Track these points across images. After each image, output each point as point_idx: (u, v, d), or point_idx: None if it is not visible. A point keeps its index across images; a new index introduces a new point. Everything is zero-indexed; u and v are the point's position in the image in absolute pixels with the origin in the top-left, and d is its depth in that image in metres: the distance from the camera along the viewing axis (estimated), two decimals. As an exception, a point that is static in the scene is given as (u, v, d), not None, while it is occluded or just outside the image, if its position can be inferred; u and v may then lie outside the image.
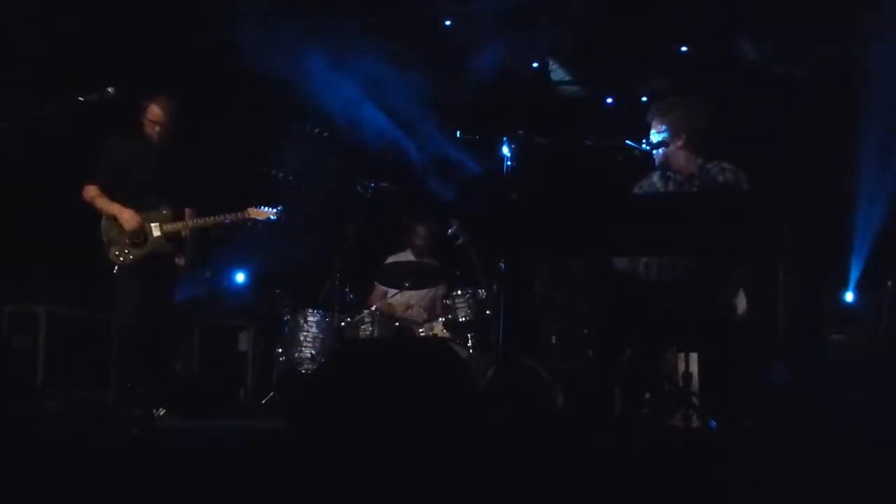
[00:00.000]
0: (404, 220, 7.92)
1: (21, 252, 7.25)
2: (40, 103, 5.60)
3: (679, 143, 5.12)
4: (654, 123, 5.20)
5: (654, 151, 5.19)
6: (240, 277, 8.70)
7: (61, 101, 5.62)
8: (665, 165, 5.18)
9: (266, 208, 6.41)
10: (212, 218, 6.30)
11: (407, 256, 7.79)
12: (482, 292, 7.00)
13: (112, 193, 6.13)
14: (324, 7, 8.00)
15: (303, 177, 7.08)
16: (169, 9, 7.62)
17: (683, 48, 8.76)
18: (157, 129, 6.20)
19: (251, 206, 6.39)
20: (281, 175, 6.98)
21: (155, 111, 6.20)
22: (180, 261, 6.31)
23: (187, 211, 6.29)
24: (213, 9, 7.60)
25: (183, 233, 6.23)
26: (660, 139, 5.14)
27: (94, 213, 6.17)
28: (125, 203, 6.10)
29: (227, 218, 6.33)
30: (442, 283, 7.59)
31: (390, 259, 7.73)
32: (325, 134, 8.23)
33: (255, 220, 6.42)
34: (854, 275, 8.06)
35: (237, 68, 7.79)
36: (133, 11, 7.52)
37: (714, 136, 5.21)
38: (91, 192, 6.14)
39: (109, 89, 5.75)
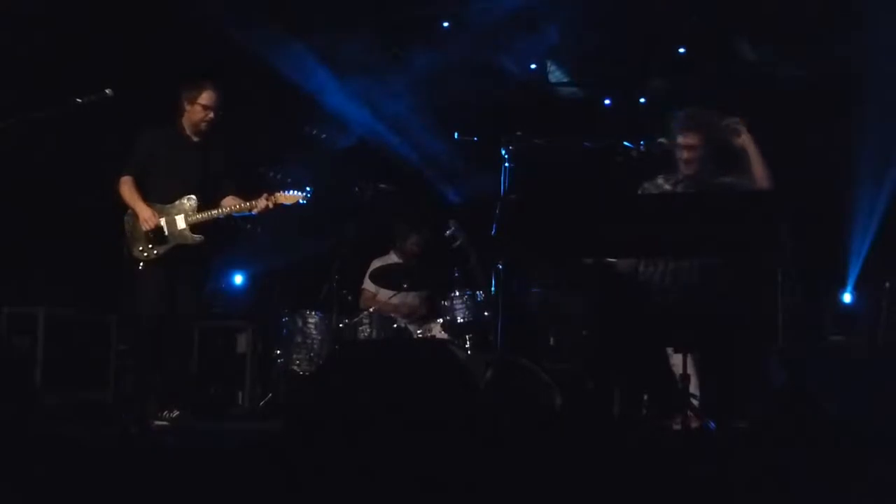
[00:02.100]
0: (399, 225, 7.91)
1: (21, 252, 7.24)
2: (40, 104, 5.59)
3: (709, 154, 5.16)
4: (683, 134, 5.20)
5: (684, 162, 5.20)
6: (238, 279, 8.70)
7: (60, 101, 5.62)
8: (690, 176, 5.18)
9: (295, 192, 6.22)
10: (240, 204, 6.18)
11: (392, 259, 7.80)
12: (480, 293, 7.00)
13: (143, 184, 6.05)
14: (322, 7, 8.01)
15: (301, 177, 7.07)
16: (168, 7, 7.63)
17: (682, 49, 8.76)
18: (211, 114, 6.10)
19: (279, 192, 6.21)
20: (279, 176, 6.95)
21: (211, 96, 6.09)
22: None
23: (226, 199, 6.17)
24: (213, 8, 7.61)
25: (219, 212, 6.10)
26: (689, 150, 5.17)
27: (93, 213, 6.15)
28: (153, 194, 6.02)
29: (257, 205, 6.13)
30: (426, 287, 7.61)
31: (376, 262, 7.72)
32: (323, 135, 8.23)
33: (284, 206, 6.22)
34: (852, 275, 8.07)
35: (237, 68, 7.79)
36: (133, 10, 7.52)
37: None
38: (121, 184, 6.02)
39: (107, 91, 5.74)
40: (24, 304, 7.20)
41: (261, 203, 6.15)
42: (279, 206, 6.22)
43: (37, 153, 6.99)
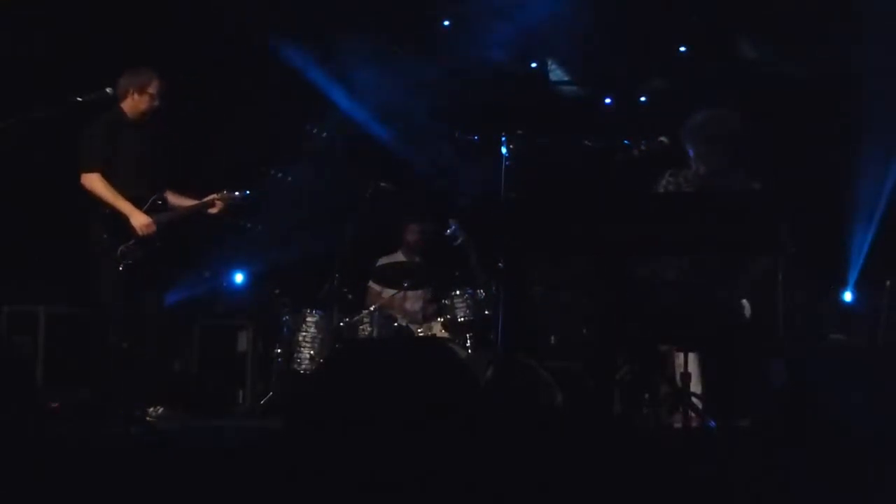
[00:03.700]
0: (401, 216, 7.92)
1: (21, 252, 7.24)
2: (40, 104, 5.60)
3: (731, 160, 5.11)
4: (700, 148, 5.13)
5: (705, 175, 5.14)
6: (239, 277, 8.70)
7: (60, 101, 5.62)
8: (712, 185, 5.13)
9: (236, 192, 6.33)
10: (199, 201, 6.22)
11: (398, 257, 7.80)
12: (481, 292, 7.00)
13: (107, 179, 6.00)
14: (322, 6, 8.01)
15: (302, 176, 7.08)
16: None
17: (682, 48, 8.76)
18: (156, 104, 6.10)
19: (224, 191, 6.31)
20: (280, 174, 6.96)
21: (160, 85, 6.08)
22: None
23: (170, 194, 6.19)
24: (213, 8, 7.62)
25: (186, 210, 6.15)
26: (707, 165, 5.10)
27: (93, 213, 6.13)
28: (120, 188, 5.98)
29: (214, 207, 6.24)
30: (430, 285, 7.61)
31: (382, 260, 7.73)
32: (324, 134, 8.23)
33: (233, 201, 6.32)
34: (853, 274, 8.07)
35: (237, 67, 7.79)
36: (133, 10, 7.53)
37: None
38: (95, 181, 5.97)
39: (108, 89, 5.74)
40: (24, 303, 7.20)
41: (218, 204, 6.24)
42: (231, 199, 6.32)
43: (37, 153, 6.99)
